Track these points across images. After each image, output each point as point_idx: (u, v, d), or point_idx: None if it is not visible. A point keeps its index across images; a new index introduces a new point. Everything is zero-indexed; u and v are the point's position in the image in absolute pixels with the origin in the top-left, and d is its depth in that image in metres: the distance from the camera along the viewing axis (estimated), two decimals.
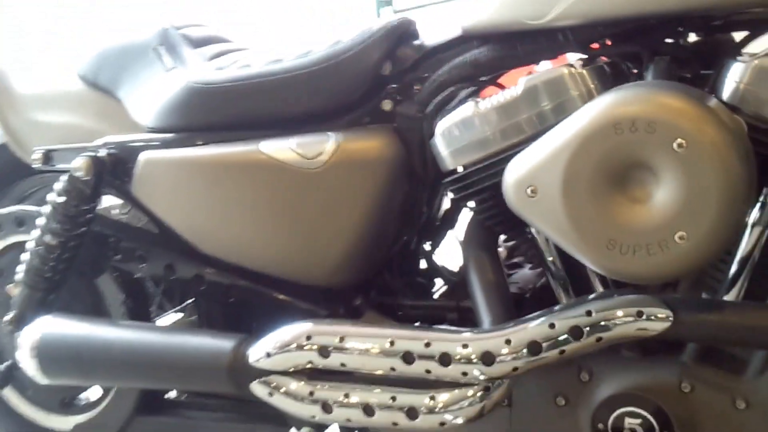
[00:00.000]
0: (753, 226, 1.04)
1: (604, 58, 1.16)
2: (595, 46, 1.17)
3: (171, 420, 1.49)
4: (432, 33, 1.29)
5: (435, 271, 1.43)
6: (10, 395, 1.67)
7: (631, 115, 0.93)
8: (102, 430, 1.55)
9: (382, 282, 1.37)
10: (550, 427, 1.17)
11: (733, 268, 1.06)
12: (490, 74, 1.22)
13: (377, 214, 1.25)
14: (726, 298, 1.06)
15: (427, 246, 1.42)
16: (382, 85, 1.27)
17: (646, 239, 0.95)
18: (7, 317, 1.46)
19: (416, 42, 1.28)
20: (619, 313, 1.02)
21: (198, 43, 1.46)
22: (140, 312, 1.51)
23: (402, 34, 1.28)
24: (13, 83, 1.60)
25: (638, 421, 1.09)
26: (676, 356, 1.11)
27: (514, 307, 1.22)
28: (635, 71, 1.15)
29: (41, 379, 1.36)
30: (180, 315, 1.55)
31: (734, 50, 1.10)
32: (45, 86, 1.56)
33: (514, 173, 1.03)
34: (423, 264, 1.43)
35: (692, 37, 1.14)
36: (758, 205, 1.04)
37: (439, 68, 1.23)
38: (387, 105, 1.26)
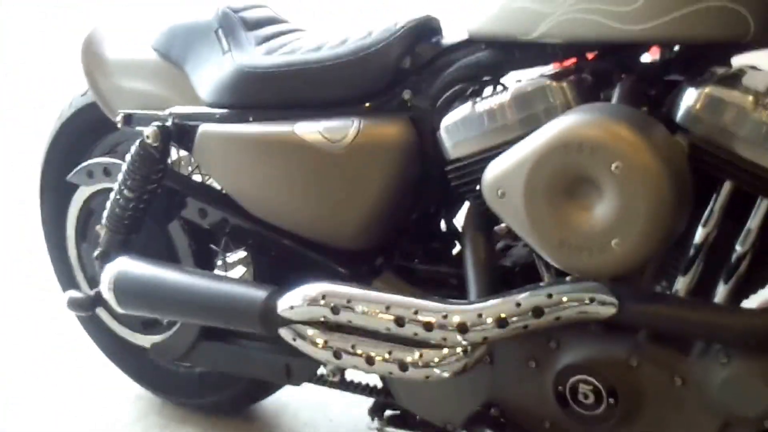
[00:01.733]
0: (703, 226, 1.18)
1: None
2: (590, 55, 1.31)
3: (228, 347, 1.74)
4: (450, 32, 1.44)
5: (454, 234, 1.61)
6: (103, 314, 1.97)
7: (578, 139, 1.08)
8: (173, 350, 1.83)
9: (402, 246, 1.56)
10: (523, 386, 1.35)
11: (686, 261, 1.21)
12: (493, 75, 1.37)
13: (391, 190, 1.44)
14: (680, 283, 1.21)
15: (448, 212, 1.60)
16: (403, 78, 1.43)
17: (589, 242, 1.11)
18: (96, 253, 1.73)
19: (434, 40, 1.44)
20: (575, 298, 1.19)
21: (253, 25, 1.64)
22: (202, 255, 1.75)
23: (423, 31, 1.43)
24: (104, 49, 1.83)
25: (590, 388, 1.27)
26: (634, 334, 1.27)
27: (506, 278, 1.40)
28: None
29: (117, 309, 1.63)
30: (243, 254, 1.80)
31: (711, 63, 1.22)
32: (127, 54, 1.78)
33: (489, 175, 1.20)
34: (444, 227, 1.61)
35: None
36: (708, 209, 1.17)
37: (450, 66, 1.39)
38: (407, 95, 1.43)
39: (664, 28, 1.11)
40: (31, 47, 4.12)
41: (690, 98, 1.13)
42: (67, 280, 2.08)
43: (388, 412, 1.60)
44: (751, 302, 1.22)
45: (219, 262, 1.87)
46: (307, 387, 1.72)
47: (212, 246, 1.82)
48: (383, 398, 1.60)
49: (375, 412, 1.61)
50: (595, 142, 1.07)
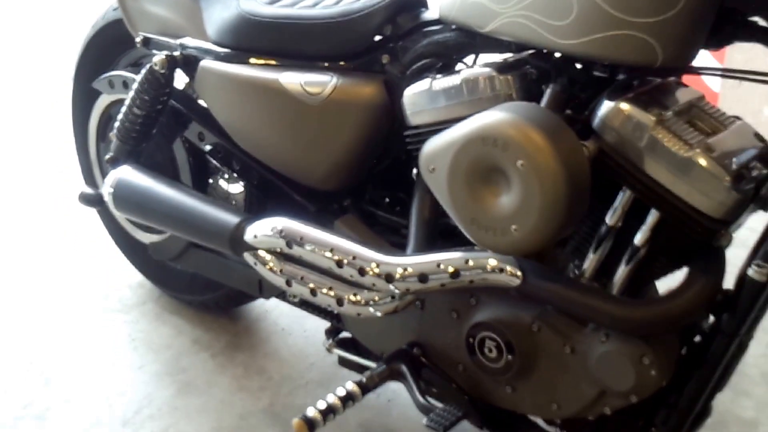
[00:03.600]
0: (609, 219, 1.34)
1: None
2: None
3: (213, 256, 1.96)
4: (432, 7, 1.59)
5: None
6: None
7: (494, 135, 1.25)
8: (167, 251, 2.07)
9: (371, 192, 1.75)
10: (444, 333, 1.55)
11: (594, 246, 1.38)
12: (458, 55, 1.53)
13: (359, 144, 1.61)
14: (587, 263, 1.37)
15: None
16: (383, 43, 1.59)
17: (494, 224, 1.29)
18: (106, 157, 1.96)
19: (415, 13, 1.59)
20: (486, 266, 1.38)
21: None
22: (200, 172, 1.97)
23: (407, 3, 1.59)
24: None
25: (494, 343, 1.46)
26: (543, 303, 1.45)
27: (449, 234, 1.59)
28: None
29: (114, 211, 1.87)
30: None
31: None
32: None
33: (425, 150, 1.38)
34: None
35: None
36: (613, 206, 1.34)
37: (423, 40, 1.55)
38: (385, 59, 1.59)
39: (585, 47, 1.25)
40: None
41: (603, 109, 1.28)
42: (88, 175, 2.33)
43: (341, 335, 1.82)
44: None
45: (226, 176, 2.09)
46: None
47: (215, 162, 2.03)
48: (336, 322, 1.81)
49: (330, 333, 1.83)
50: (507, 140, 1.24)
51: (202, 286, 2.20)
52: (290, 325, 2.26)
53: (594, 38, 1.24)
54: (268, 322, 2.28)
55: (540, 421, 1.58)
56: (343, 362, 1.82)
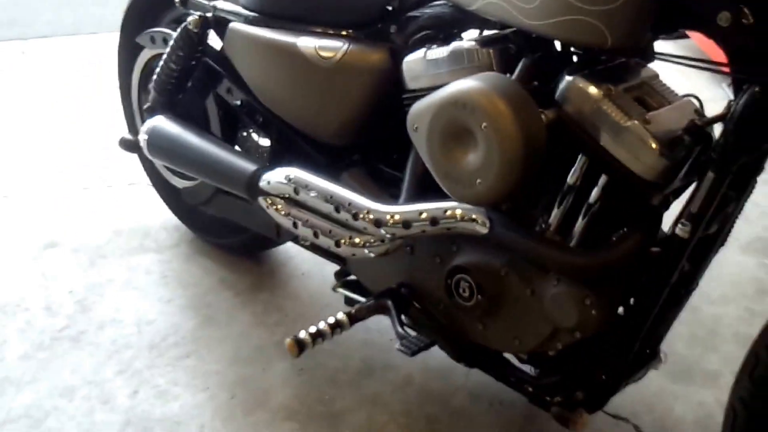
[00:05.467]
0: (569, 178, 1.65)
1: None
2: None
3: (238, 201, 2.31)
4: None
5: None
6: None
7: (464, 99, 1.56)
8: (197, 196, 2.44)
9: (380, 149, 2.08)
10: (429, 275, 1.87)
11: (558, 201, 1.67)
12: (453, 29, 1.85)
13: (366, 104, 1.93)
14: (553, 217, 1.65)
15: None
16: (391, 15, 1.92)
17: (462, 178, 1.61)
18: (144, 107, 2.34)
19: None
20: (460, 215, 1.70)
21: None
22: (229, 124, 2.33)
23: None
24: None
25: (467, 285, 1.79)
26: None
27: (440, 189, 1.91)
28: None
29: (147, 155, 2.24)
30: None
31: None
32: None
33: (411, 111, 1.70)
34: None
35: None
36: (573, 167, 1.64)
37: (425, 14, 1.87)
38: (393, 29, 1.92)
39: (547, 28, 1.55)
40: None
41: (563, 82, 1.58)
42: (131, 123, 2.71)
43: (348, 278, 2.17)
44: None
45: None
46: None
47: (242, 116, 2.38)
48: (344, 266, 2.16)
49: (338, 275, 2.18)
50: (474, 105, 1.54)
51: (232, 230, 2.55)
52: (311, 270, 2.61)
53: (555, 21, 1.54)
54: (291, 267, 2.64)
55: (513, 359, 1.90)
56: (348, 302, 2.16)
